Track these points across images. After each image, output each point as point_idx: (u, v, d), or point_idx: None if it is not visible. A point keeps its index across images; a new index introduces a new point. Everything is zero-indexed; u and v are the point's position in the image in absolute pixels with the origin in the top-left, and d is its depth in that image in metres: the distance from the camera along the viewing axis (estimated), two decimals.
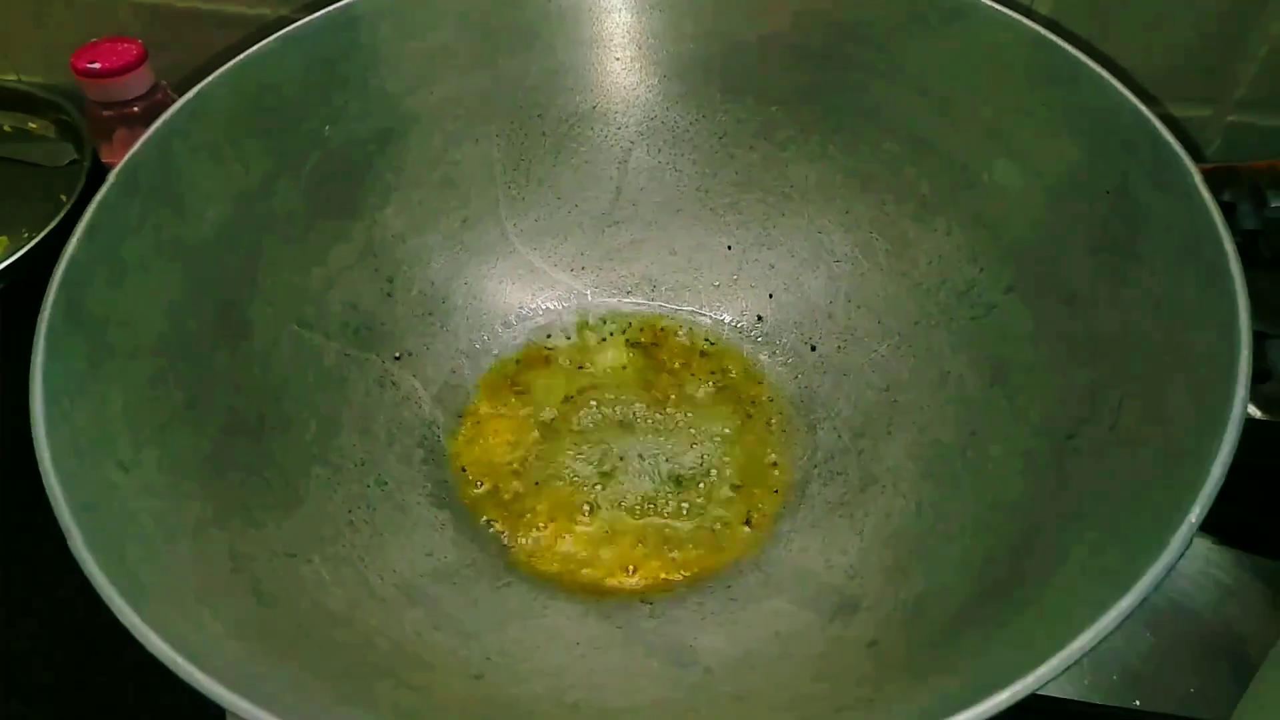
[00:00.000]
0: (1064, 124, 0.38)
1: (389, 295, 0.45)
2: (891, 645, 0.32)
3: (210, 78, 0.40)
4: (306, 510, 0.37)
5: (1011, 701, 0.23)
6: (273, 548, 0.34)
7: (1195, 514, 0.26)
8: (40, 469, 0.29)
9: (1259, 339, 0.41)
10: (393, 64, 0.45)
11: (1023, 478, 0.35)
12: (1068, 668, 0.24)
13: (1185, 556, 0.40)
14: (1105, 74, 0.37)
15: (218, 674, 0.25)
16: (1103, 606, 0.25)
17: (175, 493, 0.33)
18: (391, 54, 0.45)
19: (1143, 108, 0.36)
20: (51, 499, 0.28)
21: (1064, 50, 0.38)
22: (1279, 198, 0.48)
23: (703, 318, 0.48)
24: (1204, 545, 0.42)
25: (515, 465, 0.43)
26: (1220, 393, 0.28)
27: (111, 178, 0.36)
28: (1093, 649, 0.24)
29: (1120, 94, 0.37)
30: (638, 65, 0.48)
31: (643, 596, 0.38)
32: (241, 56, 0.41)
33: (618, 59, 0.48)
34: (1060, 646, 0.24)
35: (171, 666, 0.25)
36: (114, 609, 0.26)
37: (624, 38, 0.47)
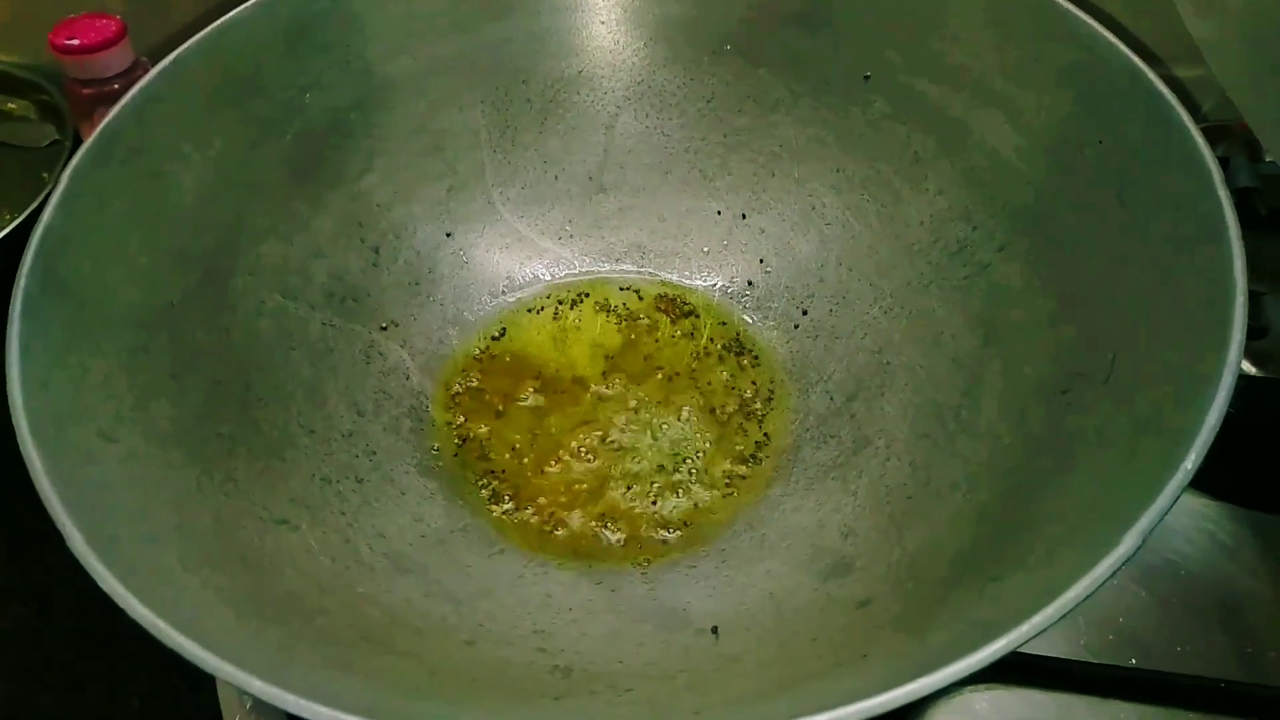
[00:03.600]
0: (1058, 80, 0.38)
1: (374, 265, 0.45)
2: (885, 604, 0.32)
3: (186, 44, 0.40)
4: (294, 480, 0.37)
5: (1004, 652, 0.23)
6: (259, 515, 0.34)
7: (1191, 460, 0.25)
8: (18, 439, 0.29)
9: (1254, 296, 0.40)
10: (373, 30, 0.44)
11: (1016, 434, 0.34)
12: (1061, 618, 0.23)
13: (1181, 513, 0.40)
14: (1100, 29, 0.37)
15: (203, 640, 0.25)
16: (1095, 558, 0.24)
17: (159, 461, 0.32)
18: (371, 19, 0.44)
19: (1138, 61, 0.35)
20: (30, 468, 0.28)
21: (1058, 6, 0.38)
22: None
23: (693, 284, 0.48)
24: (1199, 502, 0.42)
25: (505, 435, 0.43)
26: (1215, 342, 0.28)
27: (86, 146, 0.36)
28: (1086, 599, 0.24)
29: (1116, 49, 0.36)
30: (623, 29, 0.47)
31: (635, 560, 0.38)
32: (218, 22, 0.41)
33: (603, 23, 0.47)
34: (1052, 598, 0.24)
35: (154, 632, 0.25)
36: (96, 577, 0.26)
37: (609, 1, 0.47)
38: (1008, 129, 0.39)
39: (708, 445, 0.42)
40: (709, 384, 0.44)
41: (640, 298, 0.48)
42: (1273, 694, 0.36)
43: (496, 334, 0.47)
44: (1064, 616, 0.23)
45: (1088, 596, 0.23)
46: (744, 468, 0.41)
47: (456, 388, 0.44)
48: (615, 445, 0.42)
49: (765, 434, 0.42)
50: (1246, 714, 0.37)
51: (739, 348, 0.46)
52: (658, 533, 0.39)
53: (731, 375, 0.45)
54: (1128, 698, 0.37)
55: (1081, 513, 0.29)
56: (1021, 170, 0.39)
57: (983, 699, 0.38)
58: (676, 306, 0.47)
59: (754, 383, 0.44)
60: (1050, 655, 0.38)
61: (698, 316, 0.47)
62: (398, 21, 0.45)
